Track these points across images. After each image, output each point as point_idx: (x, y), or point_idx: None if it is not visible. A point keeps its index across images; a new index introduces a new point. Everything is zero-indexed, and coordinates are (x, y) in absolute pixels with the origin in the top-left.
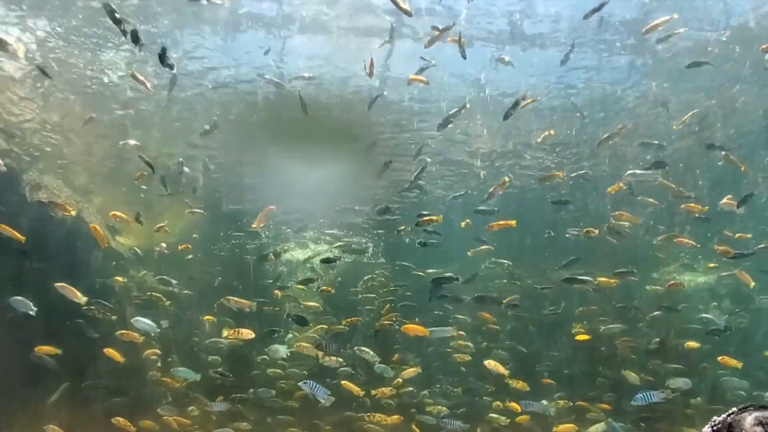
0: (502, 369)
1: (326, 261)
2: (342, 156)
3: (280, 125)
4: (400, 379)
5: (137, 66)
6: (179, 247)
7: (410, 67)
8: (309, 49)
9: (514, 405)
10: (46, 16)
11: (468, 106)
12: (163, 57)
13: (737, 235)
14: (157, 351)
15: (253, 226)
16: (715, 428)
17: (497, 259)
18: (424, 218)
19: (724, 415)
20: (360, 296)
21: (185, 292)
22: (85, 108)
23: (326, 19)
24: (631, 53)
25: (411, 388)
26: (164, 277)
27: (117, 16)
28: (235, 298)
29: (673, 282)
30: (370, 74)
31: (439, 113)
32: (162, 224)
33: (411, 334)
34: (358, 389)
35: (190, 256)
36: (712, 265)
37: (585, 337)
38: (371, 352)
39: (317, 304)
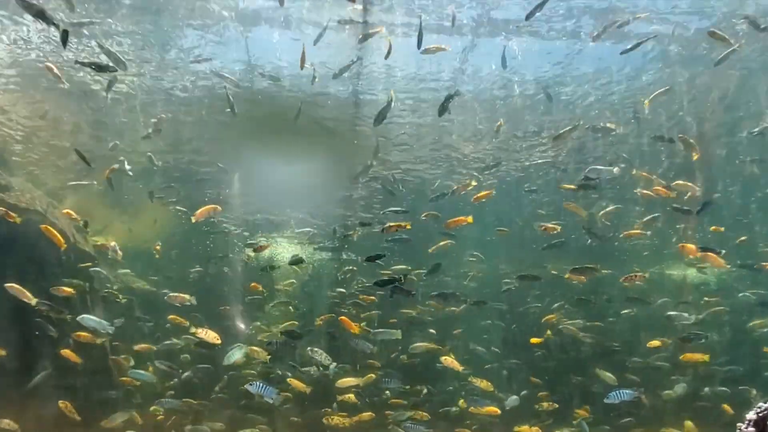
0: (457, 365)
1: (294, 263)
2: (313, 153)
3: (250, 123)
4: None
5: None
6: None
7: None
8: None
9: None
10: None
11: (393, 98)
12: (64, 39)
13: (712, 228)
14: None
15: (192, 219)
16: (761, 414)
17: (476, 254)
18: (391, 226)
19: None
20: (333, 293)
21: (164, 291)
22: (57, 107)
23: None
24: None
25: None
26: (98, 270)
27: (38, 8)
28: (175, 294)
29: (627, 276)
30: (301, 66)
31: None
32: (104, 242)
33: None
34: (304, 386)
35: (157, 255)
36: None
37: (538, 340)
38: (324, 354)
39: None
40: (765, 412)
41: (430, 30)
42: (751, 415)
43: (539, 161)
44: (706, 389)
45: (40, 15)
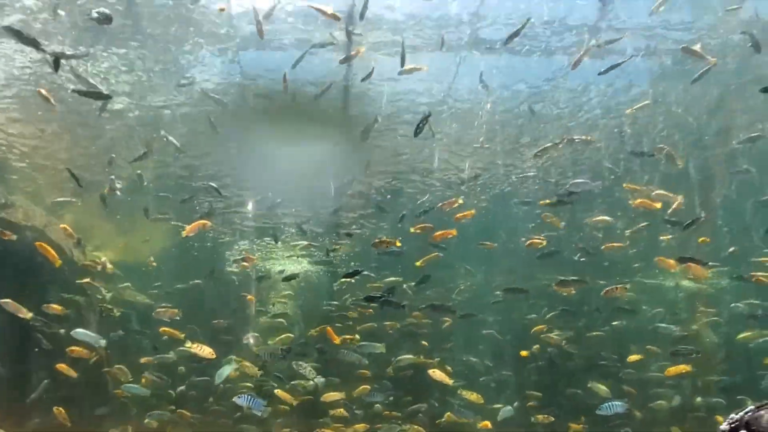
0: (447, 379)
1: (287, 279)
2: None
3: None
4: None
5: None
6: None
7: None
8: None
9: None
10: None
11: (379, 120)
12: (56, 65)
13: (700, 239)
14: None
15: (183, 234)
16: (732, 425)
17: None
18: (381, 241)
19: (741, 413)
20: (327, 306)
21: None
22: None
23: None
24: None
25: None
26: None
27: (28, 37)
28: (164, 309)
29: (608, 289)
30: (285, 89)
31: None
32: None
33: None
34: (290, 397)
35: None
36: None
37: (525, 353)
38: (309, 367)
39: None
40: (736, 423)
41: (421, 48)
42: (724, 426)
43: (529, 173)
44: (699, 399)
45: (30, 43)
